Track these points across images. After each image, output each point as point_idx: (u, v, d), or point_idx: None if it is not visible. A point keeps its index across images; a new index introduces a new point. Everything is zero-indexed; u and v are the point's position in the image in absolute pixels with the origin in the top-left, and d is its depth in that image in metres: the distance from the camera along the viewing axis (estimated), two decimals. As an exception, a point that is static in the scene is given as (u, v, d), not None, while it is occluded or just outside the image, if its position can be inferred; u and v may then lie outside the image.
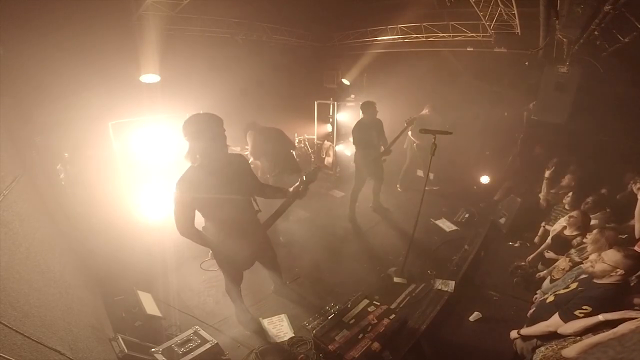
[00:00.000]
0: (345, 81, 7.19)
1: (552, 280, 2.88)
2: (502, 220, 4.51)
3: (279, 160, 4.11)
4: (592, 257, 2.24)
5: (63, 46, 3.89)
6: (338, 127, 6.72)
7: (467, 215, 4.75)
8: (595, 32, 3.15)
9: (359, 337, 2.42)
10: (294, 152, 6.93)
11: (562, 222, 3.50)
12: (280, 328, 2.84)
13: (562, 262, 2.92)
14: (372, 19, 6.22)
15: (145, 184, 4.36)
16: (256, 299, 3.16)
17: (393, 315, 2.63)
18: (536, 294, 2.95)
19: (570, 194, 3.82)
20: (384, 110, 4.49)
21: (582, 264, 2.42)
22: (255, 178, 2.41)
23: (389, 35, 6.06)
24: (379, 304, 2.74)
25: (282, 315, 2.97)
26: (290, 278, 3.46)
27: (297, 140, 6.87)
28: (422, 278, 3.49)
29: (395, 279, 3.47)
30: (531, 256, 3.57)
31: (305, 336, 2.71)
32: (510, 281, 3.42)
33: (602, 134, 4.62)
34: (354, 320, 2.56)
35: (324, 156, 6.86)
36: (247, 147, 4.40)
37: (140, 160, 4.44)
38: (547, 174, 4.22)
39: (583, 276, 2.32)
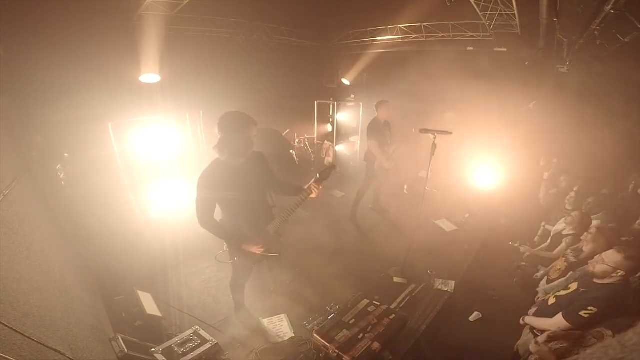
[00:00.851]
0: (345, 81, 7.19)
1: (549, 281, 2.88)
2: (503, 221, 4.50)
3: (278, 161, 4.11)
4: (597, 257, 2.21)
5: (63, 46, 3.89)
6: (338, 127, 6.71)
7: (467, 215, 4.74)
8: (596, 32, 3.14)
9: (359, 337, 2.42)
10: (293, 153, 7.00)
11: (562, 222, 3.50)
12: (280, 328, 2.84)
13: (559, 263, 2.92)
14: (372, 19, 6.23)
15: (145, 183, 4.36)
16: (256, 299, 3.16)
17: (393, 315, 2.62)
18: (537, 294, 2.95)
19: (571, 194, 3.82)
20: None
21: (579, 264, 2.41)
22: (274, 175, 2.43)
23: (388, 35, 6.06)
24: (379, 304, 2.73)
25: (282, 315, 2.97)
26: (290, 278, 3.46)
27: (297, 141, 6.87)
28: (422, 278, 3.49)
29: (395, 279, 3.47)
30: (531, 256, 3.56)
31: (305, 336, 2.71)
32: (510, 281, 3.42)
33: (602, 134, 4.61)
34: (354, 320, 2.56)
35: (324, 156, 6.85)
36: None
37: (140, 160, 4.44)
38: (545, 175, 4.22)
39: (580, 274, 2.31)
